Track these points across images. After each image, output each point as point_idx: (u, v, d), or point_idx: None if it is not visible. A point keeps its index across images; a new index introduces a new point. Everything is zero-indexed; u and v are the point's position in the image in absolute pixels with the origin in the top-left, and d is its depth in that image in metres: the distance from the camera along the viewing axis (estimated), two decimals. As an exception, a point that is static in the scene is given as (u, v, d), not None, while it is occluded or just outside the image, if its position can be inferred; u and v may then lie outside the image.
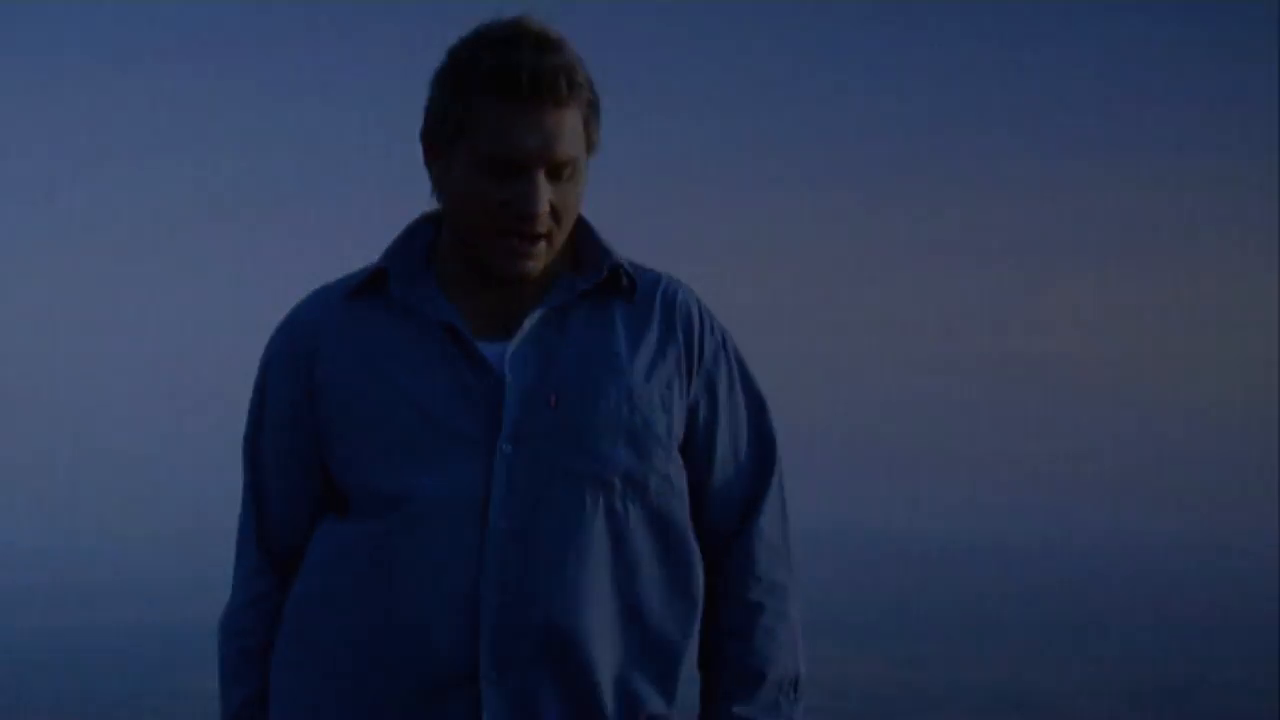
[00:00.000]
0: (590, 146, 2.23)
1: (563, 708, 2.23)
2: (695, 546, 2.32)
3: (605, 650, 2.23)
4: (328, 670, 2.26)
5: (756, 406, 2.38)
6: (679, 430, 2.30)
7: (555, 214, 2.21)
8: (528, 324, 2.24)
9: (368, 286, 2.29)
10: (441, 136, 2.21)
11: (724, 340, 2.35)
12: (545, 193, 2.18)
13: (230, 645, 2.36)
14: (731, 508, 2.35)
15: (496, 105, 2.16)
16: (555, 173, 2.19)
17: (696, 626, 2.33)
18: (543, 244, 2.22)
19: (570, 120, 2.18)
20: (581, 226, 2.30)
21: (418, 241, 2.32)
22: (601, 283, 2.28)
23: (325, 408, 2.28)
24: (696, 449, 2.32)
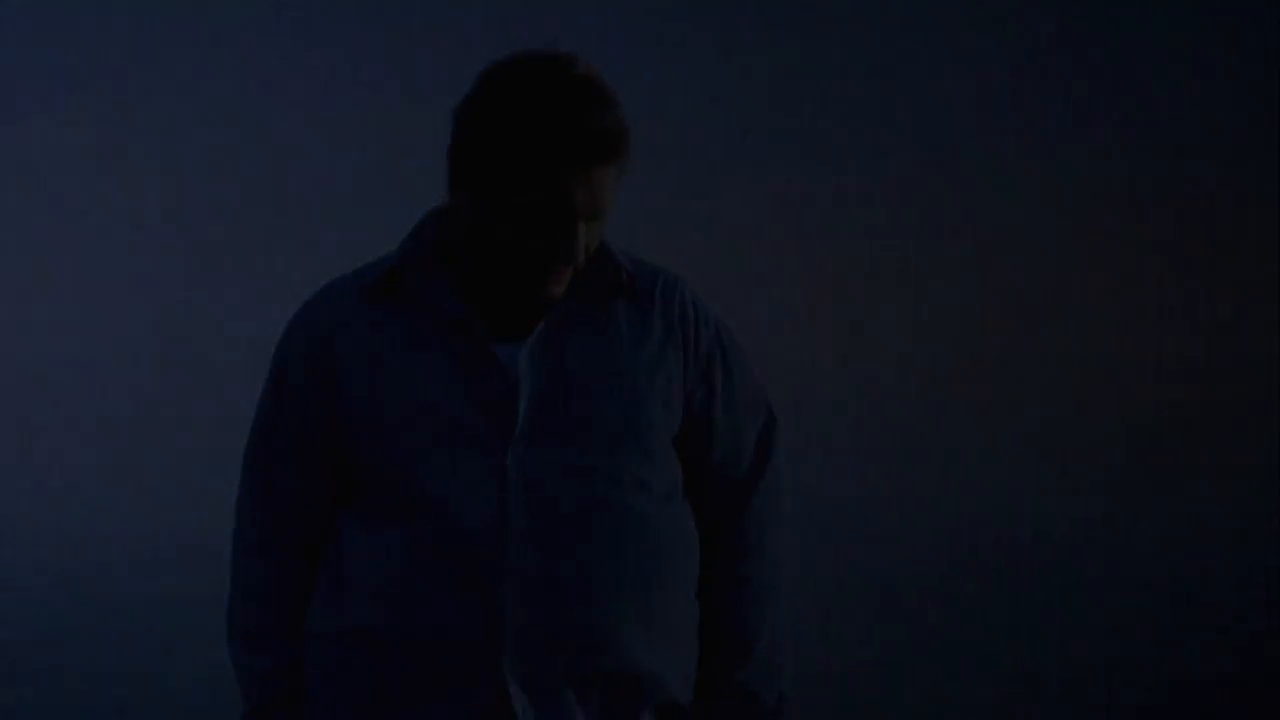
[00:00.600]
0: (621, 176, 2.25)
1: (587, 703, 2.26)
2: (696, 534, 2.36)
3: (623, 641, 2.27)
4: (362, 663, 2.29)
5: (752, 392, 2.42)
6: (679, 423, 2.34)
7: (585, 247, 2.25)
8: (537, 327, 2.26)
9: (382, 284, 2.31)
10: (480, 170, 2.21)
11: (718, 332, 2.38)
12: (584, 238, 2.22)
13: (264, 649, 2.37)
14: (728, 488, 2.40)
15: (553, 165, 2.16)
16: (594, 217, 2.23)
17: (696, 609, 2.37)
18: (570, 270, 2.26)
19: (616, 171, 2.21)
20: None
21: (430, 239, 2.32)
22: (605, 282, 2.31)
23: (343, 406, 2.30)
24: (695, 435, 2.36)
